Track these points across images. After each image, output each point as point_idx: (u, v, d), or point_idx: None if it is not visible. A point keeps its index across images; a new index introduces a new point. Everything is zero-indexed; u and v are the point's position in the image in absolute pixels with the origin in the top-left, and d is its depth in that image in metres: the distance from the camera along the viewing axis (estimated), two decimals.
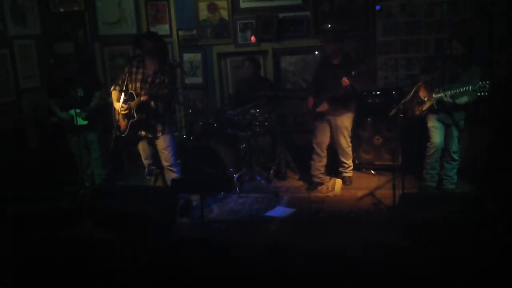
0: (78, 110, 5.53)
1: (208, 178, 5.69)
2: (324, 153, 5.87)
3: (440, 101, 5.10)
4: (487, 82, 4.69)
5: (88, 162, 5.96)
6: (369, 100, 6.24)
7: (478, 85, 4.72)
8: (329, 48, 5.61)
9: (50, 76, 6.49)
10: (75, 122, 5.54)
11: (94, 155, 5.89)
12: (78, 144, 5.77)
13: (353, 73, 5.31)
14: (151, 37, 5.11)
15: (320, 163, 5.89)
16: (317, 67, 5.98)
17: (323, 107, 5.65)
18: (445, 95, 5.02)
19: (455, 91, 4.96)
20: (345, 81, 5.31)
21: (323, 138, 5.81)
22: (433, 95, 5.14)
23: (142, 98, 4.94)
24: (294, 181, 6.21)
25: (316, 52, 6.65)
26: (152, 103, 5.03)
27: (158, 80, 4.87)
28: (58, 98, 5.74)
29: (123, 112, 5.01)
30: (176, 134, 5.96)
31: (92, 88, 5.76)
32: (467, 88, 4.85)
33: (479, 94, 4.74)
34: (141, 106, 4.99)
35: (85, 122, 5.64)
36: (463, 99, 5.01)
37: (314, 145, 5.86)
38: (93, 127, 5.77)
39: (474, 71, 5.00)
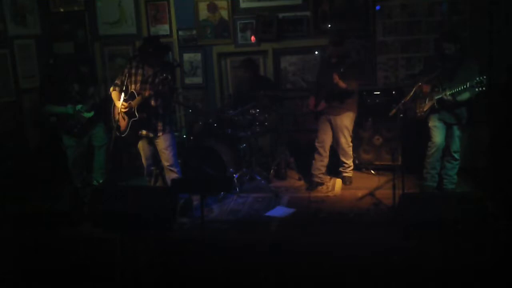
0: (79, 106, 5.53)
1: (208, 178, 5.69)
2: (326, 153, 5.87)
3: (440, 101, 5.11)
4: (484, 77, 4.70)
5: (84, 166, 5.91)
6: (369, 100, 6.25)
7: (476, 80, 4.73)
8: (329, 49, 5.69)
9: (43, 81, 6.43)
10: (77, 120, 5.53)
11: (97, 156, 5.84)
12: (79, 144, 5.72)
13: (341, 70, 5.39)
14: (148, 50, 5.01)
15: (321, 162, 5.89)
16: (320, 67, 6.02)
17: (322, 105, 5.71)
18: (445, 94, 5.03)
19: (454, 90, 4.97)
20: (335, 77, 5.36)
21: (325, 137, 5.82)
22: (434, 96, 5.14)
23: (147, 94, 4.94)
24: (294, 181, 6.21)
25: (316, 52, 6.65)
26: (152, 102, 5.03)
27: (160, 78, 4.87)
28: (53, 97, 5.71)
29: (123, 111, 5.01)
30: (176, 134, 5.95)
31: (88, 84, 5.74)
32: (465, 85, 4.86)
33: (477, 89, 4.75)
34: (142, 105, 4.99)
35: (91, 114, 5.63)
36: (464, 96, 5.01)
37: (317, 145, 5.87)
38: (99, 119, 5.77)
39: (472, 68, 5.02)
